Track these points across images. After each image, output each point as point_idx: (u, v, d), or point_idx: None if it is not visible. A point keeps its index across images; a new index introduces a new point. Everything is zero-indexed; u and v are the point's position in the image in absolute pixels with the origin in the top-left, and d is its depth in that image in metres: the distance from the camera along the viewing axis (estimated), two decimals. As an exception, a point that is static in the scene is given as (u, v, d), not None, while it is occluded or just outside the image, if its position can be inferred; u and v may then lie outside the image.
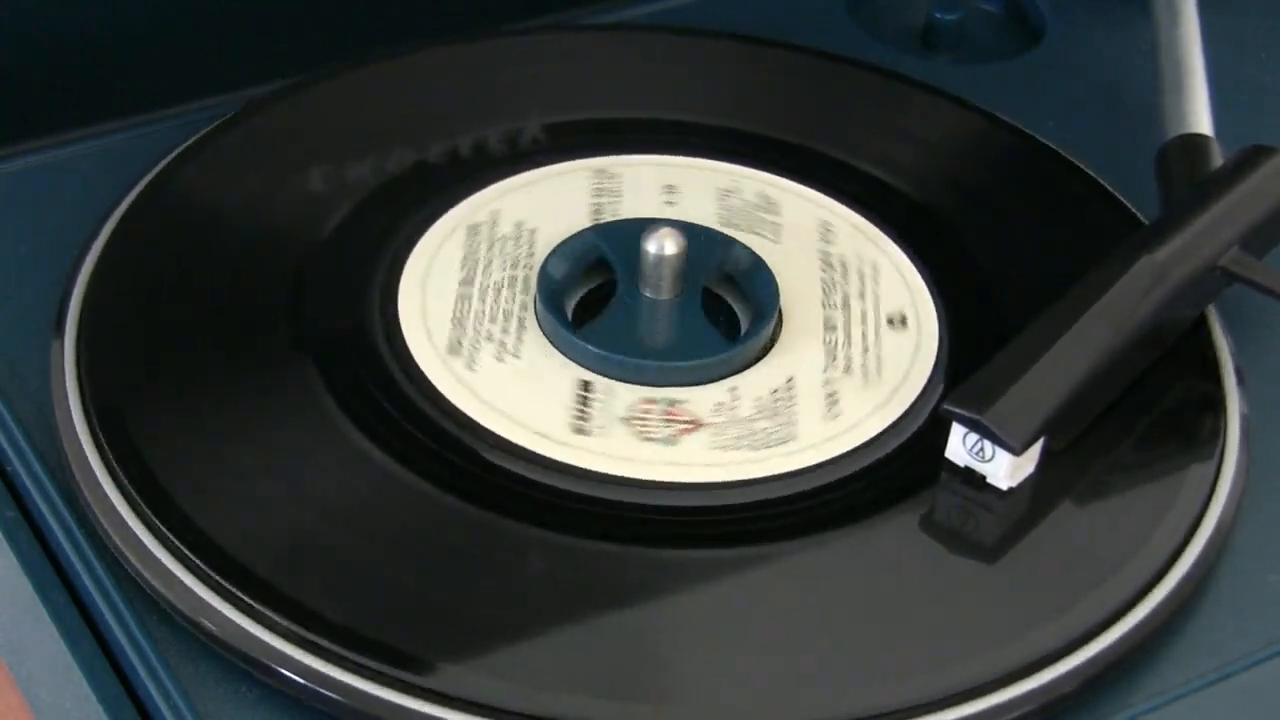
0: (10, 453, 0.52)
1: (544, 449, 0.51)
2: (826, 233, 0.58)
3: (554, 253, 0.56)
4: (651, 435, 0.52)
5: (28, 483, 0.52)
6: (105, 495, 0.49)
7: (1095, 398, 0.52)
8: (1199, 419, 0.54)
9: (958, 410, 0.50)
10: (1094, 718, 0.48)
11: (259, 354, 0.53)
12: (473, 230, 0.57)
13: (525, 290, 0.55)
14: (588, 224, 0.57)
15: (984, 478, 0.51)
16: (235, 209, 0.58)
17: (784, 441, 0.51)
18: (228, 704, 0.47)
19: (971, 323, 0.56)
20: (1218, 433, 0.53)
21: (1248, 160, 0.57)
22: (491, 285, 0.56)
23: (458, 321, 0.54)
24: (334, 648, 0.46)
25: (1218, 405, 0.54)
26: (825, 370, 0.53)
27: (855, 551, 0.50)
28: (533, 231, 0.57)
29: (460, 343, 0.54)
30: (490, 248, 0.57)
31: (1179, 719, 0.48)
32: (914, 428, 0.52)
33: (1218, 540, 0.51)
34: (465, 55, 0.64)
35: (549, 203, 0.58)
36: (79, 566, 0.49)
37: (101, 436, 0.51)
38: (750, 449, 0.51)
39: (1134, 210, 0.60)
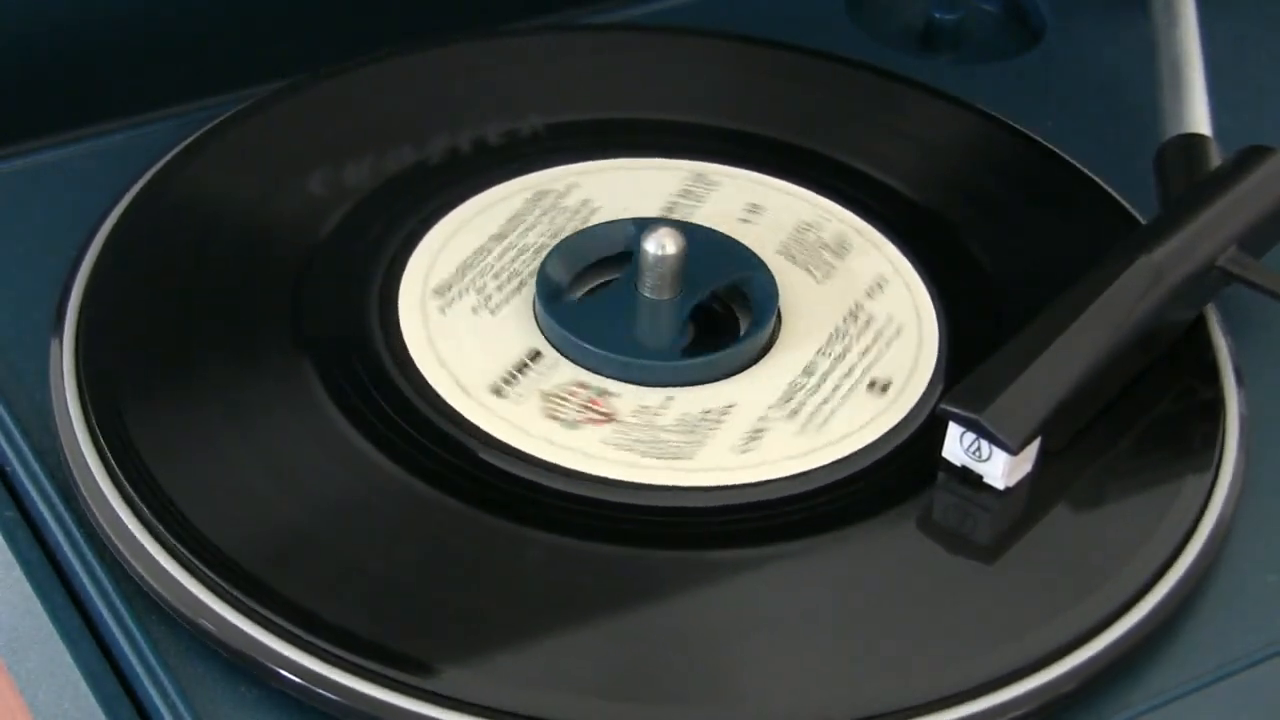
0: (10, 453, 0.52)
1: (458, 403, 0.52)
2: (873, 286, 0.58)
3: (576, 235, 0.56)
4: (559, 415, 0.52)
5: (27, 483, 0.52)
6: (104, 495, 0.49)
7: (1092, 398, 0.52)
8: (1197, 419, 0.54)
9: (955, 409, 0.50)
10: (1094, 718, 0.48)
11: (258, 354, 0.53)
12: (538, 196, 0.58)
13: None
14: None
15: (980, 477, 0.51)
16: (234, 208, 0.58)
17: (677, 458, 0.51)
18: (226, 704, 0.47)
19: (970, 322, 0.56)
20: (1216, 432, 0.53)
21: (1246, 160, 0.57)
22: (518, 247, 0.56)
23: (463, 269, 0.55)
24: (332, 648, 0.46)
25: (1216, 405, 0.54)
26: (770, 408, 0.53)
27: (853, 552, 0.50)
28: (591, 209, 0.58)
29: (450, 287, 0.55)
30: (543, 214, 0.57)
31: (1179, 719, 0.48)
32: (907, 433, 0.53)
33: (1217, 540, 0.51)
34: (465, 55, 0.64)
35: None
36: (78, 566, 0.49)
37: (100, 436, 0.51)
38: (639, 454, 0.51)
39: (1133, 210, 0.60)
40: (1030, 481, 0.51)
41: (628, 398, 0.53)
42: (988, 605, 0.49)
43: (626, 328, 0.54)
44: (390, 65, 0.63)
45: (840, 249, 0.58)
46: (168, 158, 0.59)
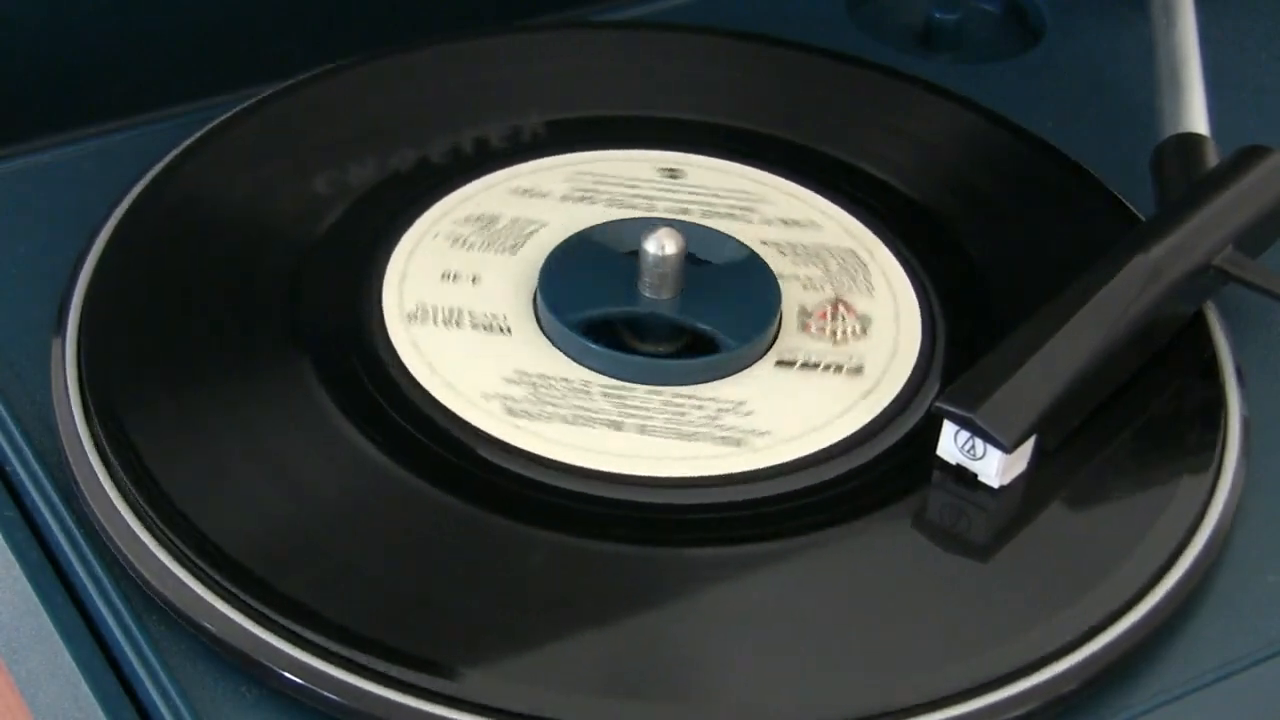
0: (10, 453, 0.52)
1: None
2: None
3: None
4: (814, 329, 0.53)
5: (27, 482, 0.52)
6: (104, 495, 0.50)
7: (1088, 396, 0.52)
8: (1198, 418, 0.54)
9: (949, 408, 0.50)
10: (1094, 718, 0.48)
11: (259, 354, 0.53)
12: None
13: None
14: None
15: (975, 475, 0.51)
16: (234, 208, 0.58)
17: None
18: (227, 704, 0.47)
19: (970, 321, 0.56)
20: (1217, 432, 0.53)
21: (1243, 160, 0.57)
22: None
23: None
24: (332, 647, 0.46)
25: (1217, 404, 0.54)
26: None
27: (848, 551, 0.50)
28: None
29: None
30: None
31: (1179, 719, 0.48)
32: (906, 428, 0.53)
33: (1217, 540, 0.51)
34: (465, 53, 0.64)
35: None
36: (78, 566, 0.49)
37: (101, 436, 0.51)
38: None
39: (1133, 209, 0.60)
40: (1026, 480, 0.51)
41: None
42: (984, 604, 0.49)
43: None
44: (389, 64, 0.63)
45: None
46: (168, 158, 0.59)
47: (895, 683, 0.47)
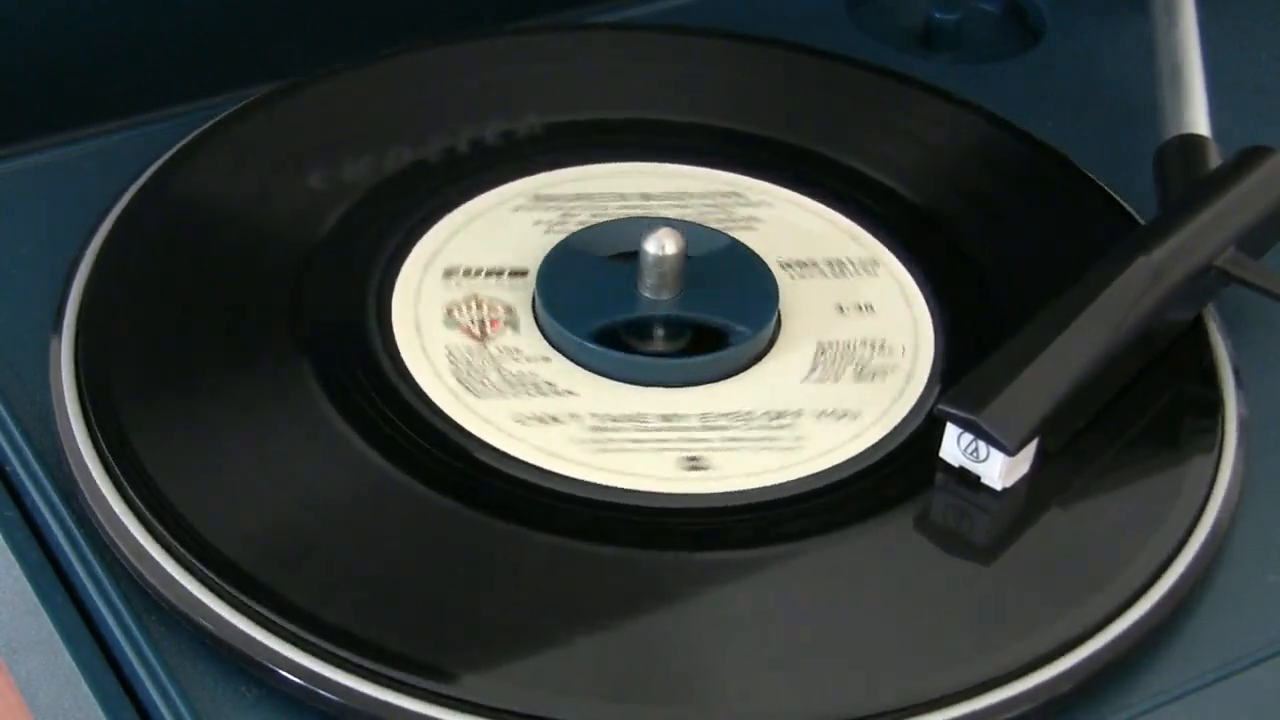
0: (9, 452, 0.52)
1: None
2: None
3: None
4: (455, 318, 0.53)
5: (27, 482, 0.52)
6: (104, 495, 0.50)
7: (1090, 398, 0.52)
8: (1197, 419, 0.54)
9: (952, 410, 0.50)
10: (1094, 718, 0.48)
11: (258, 354, 0.53)
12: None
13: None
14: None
15: (978, 478, 0.51)
16: (233, 208, 0.58)
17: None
18: (227, 704, 0.47)
19: (968, 322, 0.56)
20: (1216, 433, 0.53)
21: (1245, 161, 0.57)
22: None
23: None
24: (332, 649, 0.46)
25: (1216, 406, 0.54)
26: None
27: (851, 553, 0.50)
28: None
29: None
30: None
31: (1179, 719, 0.48)
32: (906, 434, 0.53)
33: (1216, 540, 0.51)
34: (464, 55, 0.64)
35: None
36: (78, 566, 0.49)
37: (100, 436, 0.51)
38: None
39: (1132, 211, 0.60)
40: (1028, 482, 0.51)
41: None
42: (986, 605, 0.49)
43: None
44: (390, 65, 0.63)
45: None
46: (167, 157, 0.59)
47: (896, 683, 0.47)
